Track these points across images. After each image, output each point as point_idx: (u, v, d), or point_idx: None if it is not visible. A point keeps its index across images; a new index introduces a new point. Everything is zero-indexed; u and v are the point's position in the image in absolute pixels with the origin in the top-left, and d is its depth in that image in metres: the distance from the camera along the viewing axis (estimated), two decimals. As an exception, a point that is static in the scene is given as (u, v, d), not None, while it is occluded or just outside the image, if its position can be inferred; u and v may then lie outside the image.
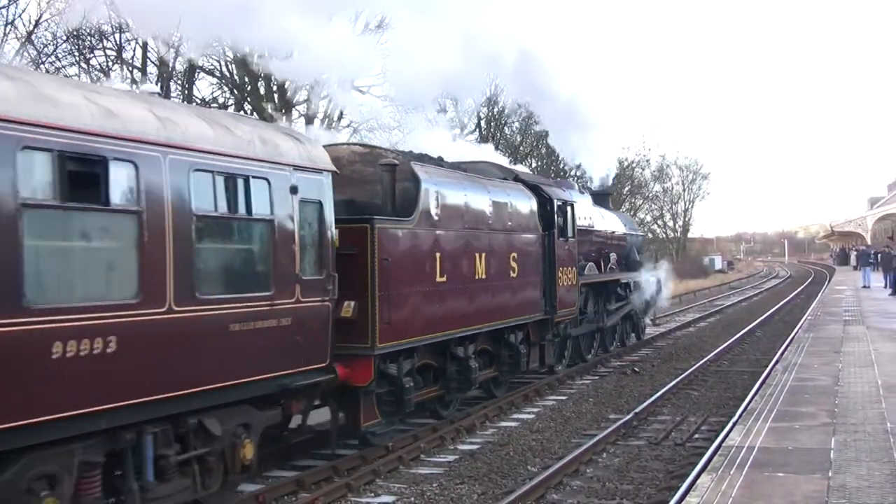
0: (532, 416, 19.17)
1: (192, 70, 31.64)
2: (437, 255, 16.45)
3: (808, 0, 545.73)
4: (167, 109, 11.07)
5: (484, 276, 18.19)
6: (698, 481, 10.49)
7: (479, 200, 18.45)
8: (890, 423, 12.71)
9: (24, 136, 8.62)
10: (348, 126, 40.61)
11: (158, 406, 10.12)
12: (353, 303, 14.17)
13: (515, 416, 19.20)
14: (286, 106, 34.51)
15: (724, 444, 12.34)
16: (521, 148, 54.67)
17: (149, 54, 30.49)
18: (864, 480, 9.76)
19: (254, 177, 11.72)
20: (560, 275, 22.19)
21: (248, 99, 34.22)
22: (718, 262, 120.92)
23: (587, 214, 26.36)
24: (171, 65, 29.89)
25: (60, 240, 9.22)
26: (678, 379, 23.01)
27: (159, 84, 29.57)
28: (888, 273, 50.22)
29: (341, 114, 38.97)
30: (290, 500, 12.97)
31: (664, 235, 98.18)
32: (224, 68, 33.95)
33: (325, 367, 13.04)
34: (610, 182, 36.16)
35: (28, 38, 24.73)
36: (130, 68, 29.73)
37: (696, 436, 16.99)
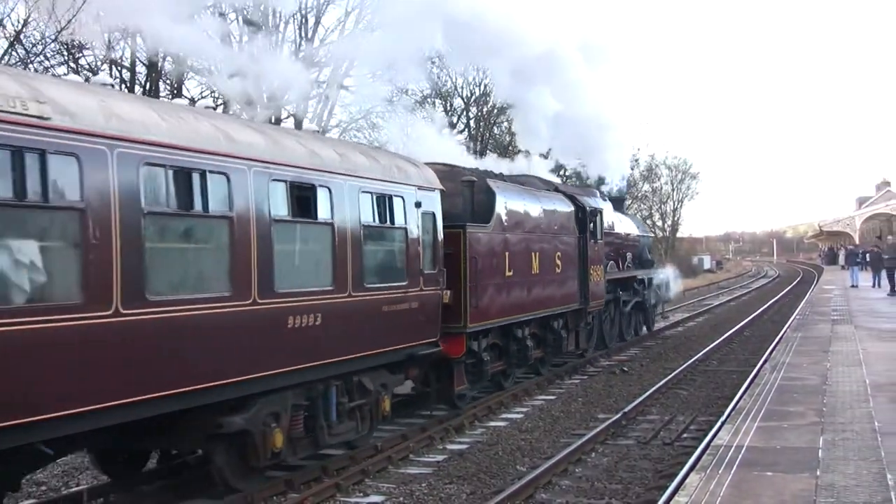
0: (521, 415, 19.21)
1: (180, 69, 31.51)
2: (507, 253, 20.17)
3: (797, 1, 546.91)
4: (342, 147, 15.20)
5: (538, 272, 21.89)
6: (687, 480, 10.49)
7: (535, 208, 22.25)
8: (878, 422, 12.72)
9: (272, 171, 12.28)
10: (337, 126, 40.62)
11: (339, 366, 13.82)
12: (449, 291, 17.58)
13: (504, 415, 19.25)
14: (274, 106, 34.40)
15: (712, 444, 12.34)
16: (511, 147, 54.62)
17: (138, 54, 30.37)
18: (852, 479, 9.77)
19: (394, 195, 15.48)
20: (591, 272, 25.72)
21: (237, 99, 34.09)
22: (707, 262, 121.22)
23: (609, 219, 29.80)
24: (160, 64, 29.79)
25: (291, 244, 12.88)
26: (667, 378, 23.07)
27: (148, 83, 29.44)
28: (877, 273, 50.33)
29: (330, 113, 38.98)
30: (280, 499, 12.97)
31: (653, 235, 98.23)
32: (214, 67, 33.83)
33: (435, 341, 16.80)
34: (624, 187, 39.85)
35: (17, 37, 24.62)
36: (119, 68, 29.61)
37: (685, 435, 17.05)
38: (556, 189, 25.61)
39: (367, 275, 14.44)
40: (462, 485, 13.77)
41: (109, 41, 25.95)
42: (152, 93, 28.76)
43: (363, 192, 14.51)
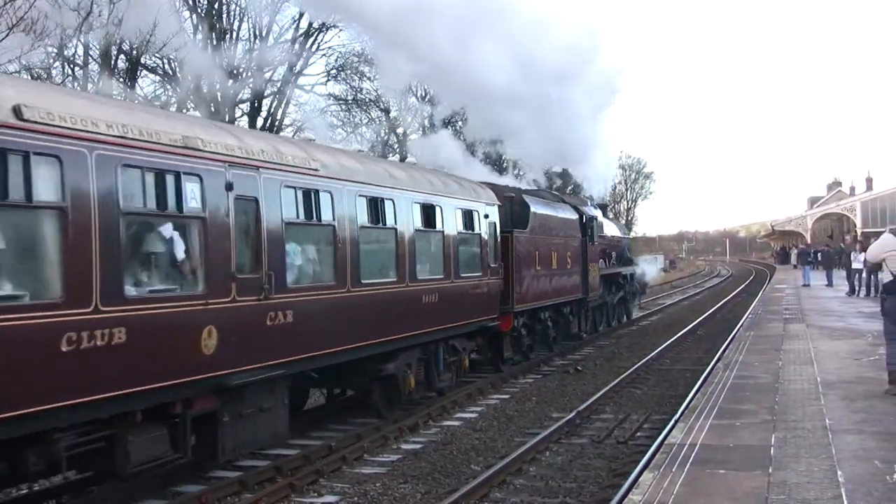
0: (475, 415, 19.28)
1: (134, 68, 31.23)
2: (536, 252, 25.66)
3: (747, 2, 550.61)
4: (443, 176, 21.41)
5: (556, 267, 27.41)
6: (641, 479, 10.50)
7: (553, 217, 28.00)
8: (829, 419, 12.80)
9: (413, 196, 18.19)
10: (291, 125, 40.47)
11: (444, 332, 19.53)
12: (501, 280, 22.82)
13: (459, 415, 19.32)
14: (229, 105, 34.20)
15: (666, 442, 12.36)
16: (466, 148, 54.44)
17: (90, 52, 30.06)
18: (803, 476, 9.83)
19: (473, 210, 21.31)
20: (590, 268, 31.31)
21: (191, 97, 33.89)
22: (660, 261, 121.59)
23: (600, 223, 35.06)
24: (112, 62, 29.50)
25: (423, 246, 18.57)
26: (621, 377, 23.21)
27: (100, 82, 29.13)
28: (830, 271, 50.77)
29: (284, 112, 38.86)
30: (234, 500, 12.97)
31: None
32: (167, 66, 33.60)
33: (495, 317, 22.40)
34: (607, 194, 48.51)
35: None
36: (72, 66, 29.31)
37: (639, 434, 17.13)
38: (563, 200, 31.45)
39: (461, 268, 20.30)
40: (417, 484, 13.80)
41: (62, 38, 25.66)
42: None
43: (458, 208, 20.44)
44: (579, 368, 25.92)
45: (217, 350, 11.92)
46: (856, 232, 79.64)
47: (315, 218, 14.57)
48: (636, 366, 25.35)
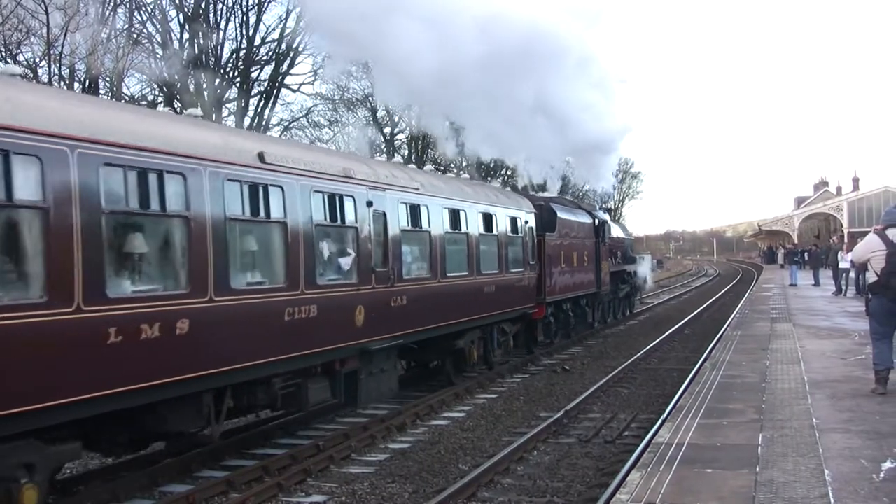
0: (463, 414, 19.29)
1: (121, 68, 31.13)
2: (562, 252, 29.93)
3: (737, 2, 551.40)
4: (497, 190, 26.55)
5: (576, 265, 31.69)
6: (628, 478, 10.49)
7: (573, 221, 32.24)
8: (816, 418, 12.81)
9: (477, 206, 22.54)
10: (279, 124, 40.41)
11: (497, 316, 23.90)
12: (536, 275, 27.23)
13: (446, 414, 19.33)
14: (216, 104, 34.14)
15: (653, 441, 12.33)
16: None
17: (77, 51, 29.92)
18: (790, 475, 9.84)
19: (516, 217, 25.54)
20: (602, 266, 35.66)
21: (178, 97, 33.82)
22: (648, 261, 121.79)
23: (609, 226, 39.26)
24: (99, 62, 29.40)
25: (484, 247, 22.86)
26: (608, 377, 23.28)
27: (87, 81, 29.03)
28: (817, 271, 50.84)
29: (271, 111, 38.81)
30: (221, 500, 12.94)
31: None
32: (154, 65, 33.52)
33: (533, 306, 26.84)
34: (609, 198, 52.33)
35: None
36: (58, 65, 29.20)
37: (626, 433, 17.16)
38: (580, 207, 36.18)
39: (509, 264, 24.53)
40: (404, 484, 13.81)
41: (48, 38, 25.59)
42: (91, 90, 28.36)
43: (507, 216, 24.70)
44: (567, 368, 26.01)
45: (363, 324, 16.31)
46: (842, 231, 79.87)
47: (419, 226, 19.02)
48: (623, 365, 25.53)
